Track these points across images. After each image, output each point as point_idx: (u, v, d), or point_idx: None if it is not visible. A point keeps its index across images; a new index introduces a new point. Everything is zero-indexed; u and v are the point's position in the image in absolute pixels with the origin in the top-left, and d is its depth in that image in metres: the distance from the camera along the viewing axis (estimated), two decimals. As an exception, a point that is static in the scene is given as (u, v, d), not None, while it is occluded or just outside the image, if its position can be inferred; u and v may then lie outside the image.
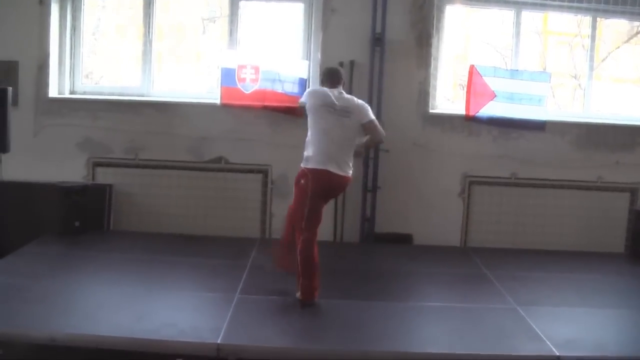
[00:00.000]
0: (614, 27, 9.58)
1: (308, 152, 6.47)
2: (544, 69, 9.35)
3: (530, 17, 9.26)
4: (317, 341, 5.70)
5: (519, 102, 8.77)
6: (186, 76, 9.57)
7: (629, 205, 9.14)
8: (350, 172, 6.58)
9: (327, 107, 6.48)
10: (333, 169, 6.39)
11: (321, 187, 6.40)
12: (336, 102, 6.52)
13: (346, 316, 6.26)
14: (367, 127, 6.68)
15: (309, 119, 6.57)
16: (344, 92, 6.77)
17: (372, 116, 6.74)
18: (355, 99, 6.75)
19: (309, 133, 6.54)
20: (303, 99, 6.78)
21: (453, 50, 9.43)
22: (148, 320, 5.80)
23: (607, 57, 9.57)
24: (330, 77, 6.86)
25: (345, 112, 6.52)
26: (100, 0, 9.41)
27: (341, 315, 6.27)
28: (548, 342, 5.74)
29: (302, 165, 6.48)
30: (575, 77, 9.64)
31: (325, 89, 6.68)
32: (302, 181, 6.42)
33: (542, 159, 8.99)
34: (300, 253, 6.42)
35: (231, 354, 5.42)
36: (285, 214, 6.99)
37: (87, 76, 9.41)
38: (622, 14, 9.07)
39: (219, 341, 5.45)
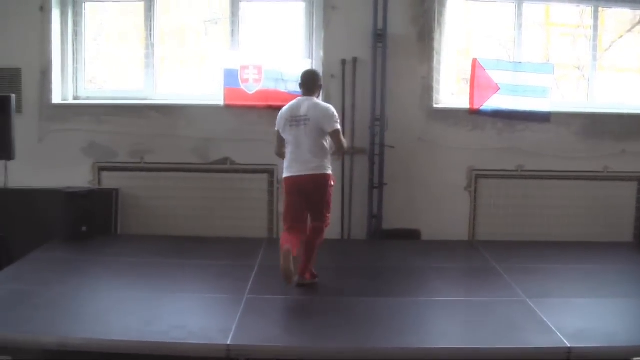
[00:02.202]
0: (617, 16, 9.53)
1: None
2: (548, 61, 9.30)
3: (533, 9, 9.22)
4: (327, 339, 5.67)
5: (523, 94, 8.77)
6: (190, 78, 9.57)
7: (637, 194, 9.11)
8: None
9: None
10: None
11: None
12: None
13: (356, 313, 6.23)
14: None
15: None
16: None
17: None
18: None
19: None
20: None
21: (456, 45, 9.40)
22: (157, 323, 5.78)
23: (610, 46, 9.53)
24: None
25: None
26: (101, 5, 9.39)
27: (351, 313, 6.25)
28: (559, 334, 5.70)
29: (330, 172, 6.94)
30: (578, 68, 9.60)
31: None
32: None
33: (547, 150, 8.97)
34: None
35: (241, 355, 5.41)
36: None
37: (90, 81, 9.43)
38: (623, 2, 9.05)
39: (228, 342, 5.43)
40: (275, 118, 7.01)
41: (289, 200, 6.93)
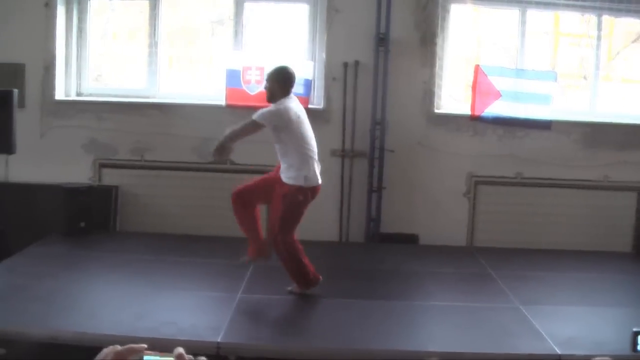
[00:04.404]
0: (625, 26, 9.52)
1: (304, 170, 6.40)
2: (553, 69, 9.27)
3: (540, 18, 9.22)
4: (318, 340, 5.72)
5: (525, 102, 8.74)
6: (196, 78, 9.61)
7: (636, 205, 9.06)
8: None
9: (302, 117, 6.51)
10: None
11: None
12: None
13: (348, 315, 6.26)
14: None
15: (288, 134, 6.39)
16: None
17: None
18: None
19: (296, 149, 6.42)
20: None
21: (463, 52, 9.38)
22: (149, 319, 5.83)
23: (615, 56, 9.52)
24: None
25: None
26: (108, 3, 9.44)
27: (343, 314, 6.28)
28: (550, 341, 5.73)
29: (302, 183, 6.37)
30: (585, 77, 9.57)
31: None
32: (301, 197, 6.39)
33: (547, 158, 8.95)
34: (291, 253, 6.45)
35: (231, 353, 5.44)
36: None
37: (96, 79, 9.48)
38: (627, 12, 9.02)
39: (219, 340, 5.47)
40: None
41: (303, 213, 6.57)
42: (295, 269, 6.53)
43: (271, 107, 6.42)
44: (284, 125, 6.32)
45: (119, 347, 1.84)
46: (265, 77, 6.74)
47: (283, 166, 6.49)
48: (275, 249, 6.48)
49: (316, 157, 6.50)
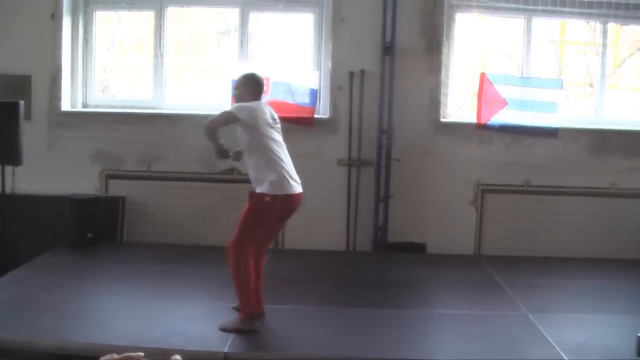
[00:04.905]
0: (631, 34, 9.51)
1: (271, 175, 5.93)
2: (560, 77, 9.26)
3: (545, 26, 9.22)
4: (325, 349, 5.67)
5: (531, 110, 8.72)
6: (202, 89, 9.63)
7: (644, 211, 9.05)
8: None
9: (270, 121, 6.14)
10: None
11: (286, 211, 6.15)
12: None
13: (356, 324, 6.25)
14: None
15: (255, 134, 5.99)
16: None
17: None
18: None
19: (264, 151, 5.97)
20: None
21: (468, 60, 9.38)
22: (157, 329, 5.82)
23: (621, 64, 9.51)
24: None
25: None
26: (114, 14, 9.48)
27: (351, 323, 6.26)
28: (557, 348, 5.68)
29: (267, 190, 5.89)
30: (591, 85, 9.56)
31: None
32: (267, 199, 5.87)
33: (555, 165, 8.92)
34: (242, 265, 5.97)
35: (238, 363, 5.43)
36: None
37: (103, 90, 9.50)
38: (633, 19, 9.02)
39: (225, 350, 5.45)
40: (282, 130, 6.29)
41: (278, 224, 6.39)
42: (240, 286, 5.96)
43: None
44: (252, 121, 5.91)
45: (116, 356, 1.84)
46: (233, 85, 6.52)
47: (250, 173, 6.09)
48: (227, 255, 6.00)
49: (287, 166, 5.99)
